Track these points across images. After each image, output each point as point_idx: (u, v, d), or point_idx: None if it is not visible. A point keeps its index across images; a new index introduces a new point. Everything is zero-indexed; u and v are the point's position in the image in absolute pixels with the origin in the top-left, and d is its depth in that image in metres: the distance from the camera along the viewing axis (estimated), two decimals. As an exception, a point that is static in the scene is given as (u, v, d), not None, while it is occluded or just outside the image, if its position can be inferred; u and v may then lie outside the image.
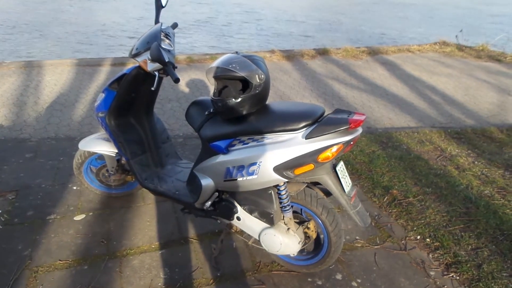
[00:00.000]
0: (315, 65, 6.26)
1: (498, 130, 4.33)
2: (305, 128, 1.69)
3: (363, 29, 11.54)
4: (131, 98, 2.20)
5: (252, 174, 1.76)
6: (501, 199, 2.94)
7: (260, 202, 1.89)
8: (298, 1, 16.45)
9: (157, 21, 2.15)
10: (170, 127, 3.85)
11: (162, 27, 2.05)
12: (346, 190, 1.80)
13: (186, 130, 3.84)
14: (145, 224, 2.45)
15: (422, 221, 2.63)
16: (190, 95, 4.71)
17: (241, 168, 1.79)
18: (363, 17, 13.65)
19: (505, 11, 17.77)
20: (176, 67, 1.94)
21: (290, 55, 6.52)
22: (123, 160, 2.43)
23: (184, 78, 5.16)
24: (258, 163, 1.74)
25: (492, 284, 2.13)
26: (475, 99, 5.44)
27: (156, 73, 1.95)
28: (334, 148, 1.65)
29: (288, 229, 1.92)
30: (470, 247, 2.42)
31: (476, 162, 3.55)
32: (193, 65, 5.70)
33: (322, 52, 6.84)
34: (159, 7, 2.18)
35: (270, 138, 1.73)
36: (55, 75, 4.93)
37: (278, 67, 6.00)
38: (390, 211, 2.74)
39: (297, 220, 2.00)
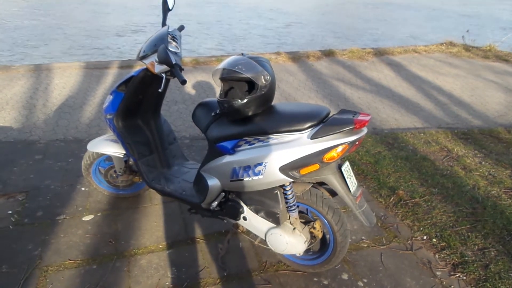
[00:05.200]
0: (320, 66, 6.27)
1: (505, 131, 4.31)
2: (310, 129, 1.70)
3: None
4: (139, 100, 2.23)
5: (258, 174, 1.78)
6: (508, 200, 2.92)
7: (266, 202, 1.91)
8: (305, 3, 16.45)
9: (164, 24, 2.18)
10: (177, 129, 3.88)
11: (169, 30, 2.08)
12: (351, 190, 1.81)
13: (193, 131, 3.87)
14: (152, 224, 2.47)
15: (429, 221, 2.62)
16: (196, 96, 4.75)
17: (247, 168, 1.81)
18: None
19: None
20: (182, 69, 1.96)
21: (296, 57, 6.54)
22: (131, 161, 2.46)
23: (191, 80, 5.20)
24: (264, 164, 1.75)
25: (499, 284, 2.12)
26: (482, 99, 5.41)
27: (163, 75, 1.97)
28: (340, 148, 1.66)
29: (294, 229, 1.94)
30: (477, 247, 2.42)
31: (483, 163, 3.53)
32: (199, 67, 5.73)
33: (328, 54, 6.84)
34: (166, 10, 2.21)
35: (275, 138, 1.74)
36: (64, 78, 5.00)
37: (283, 68, 6.02)
38: (396, 211, 2.74)
39: (303, 220, 2.01)
